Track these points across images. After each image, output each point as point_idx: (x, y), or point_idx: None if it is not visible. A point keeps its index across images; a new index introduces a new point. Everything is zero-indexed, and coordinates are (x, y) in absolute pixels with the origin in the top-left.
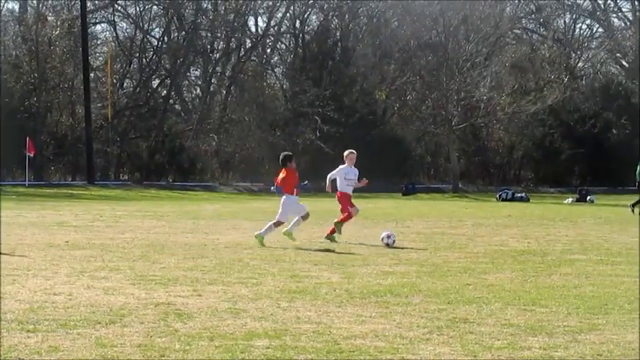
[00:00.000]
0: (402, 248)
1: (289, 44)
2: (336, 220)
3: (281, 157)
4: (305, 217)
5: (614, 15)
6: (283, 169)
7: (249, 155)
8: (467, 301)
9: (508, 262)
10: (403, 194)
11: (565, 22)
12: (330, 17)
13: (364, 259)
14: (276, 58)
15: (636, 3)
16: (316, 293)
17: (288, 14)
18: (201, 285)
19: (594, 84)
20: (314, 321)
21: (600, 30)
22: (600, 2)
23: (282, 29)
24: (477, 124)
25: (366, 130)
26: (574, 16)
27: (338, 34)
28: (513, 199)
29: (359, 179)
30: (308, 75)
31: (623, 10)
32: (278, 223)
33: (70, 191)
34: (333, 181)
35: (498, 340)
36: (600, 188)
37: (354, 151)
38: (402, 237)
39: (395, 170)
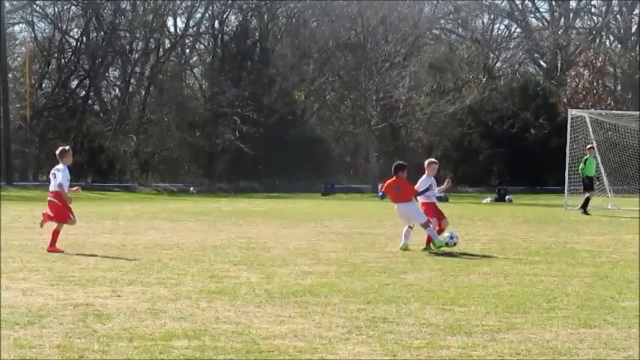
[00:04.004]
0: (322, 248)
1: (208, 44)
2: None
3: (394, 166)
4: (412, 226)
5: (532, 15)
6: (396, 179)
7: (168, 156)
8: (386, 300)
9: (427, 261)
10: (322, 194)
11: (483, 22)
12: (249, 17)
13: (283, 259)
14: (195, 58)
15: (553, 3)
16: (235, 293)
17: (207, 14)
18: (120, 285)
19: (512, 84)
20: (233, 321)
21: (518, 30)
22: (518, 3)
23: (201, 29)
24: (395, 124)
25: (285, 130)
26: (492, 17)
27: (257, 34)
28: None
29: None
30: (227, 75)
31: (541, 10)
32: (427, 224)
33: None
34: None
35: (417, 339)
36: (518, 188)
37: (435, 160)
38: (322, 237)
39: (314, 170)
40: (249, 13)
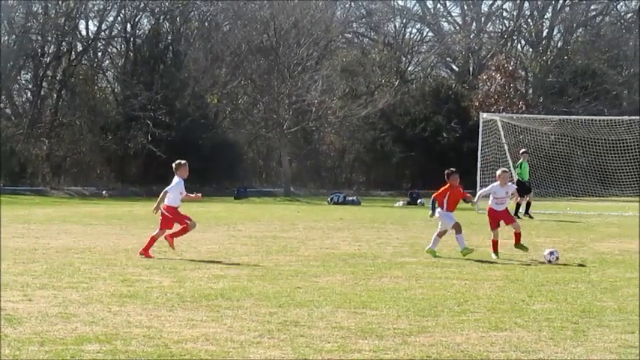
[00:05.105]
0: (234, 252)
1: (120, 48)
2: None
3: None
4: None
5: (444, 19)
6: (449, 184)
7: (80, 159)
8: (298, 304)
9: (339, 265)
10: (235, 198)
11: (395, 26)
12: (161, 21)
13: (195, 262)
14: (107, 61)
15: (465, 7)
16: (147, 297)
17: (119, 18)
18: (31, 290)
19: (424, 88)
20: (145, 325)
21: (430, 34)
22: (430, 6)
23: (113, 33)
24: (308, 128)
25: (198, 133)
26: (404, 21)
27: (169, 37)
28: (345, 202)
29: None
30: (139, 79)
31: (453, 14)
32: (457, 229)
33: None
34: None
35: (329, 342)
36: (431, 191)
37: (507, 170)
38: (234, 240)
39: (227, 174)
40: (162, 17)
